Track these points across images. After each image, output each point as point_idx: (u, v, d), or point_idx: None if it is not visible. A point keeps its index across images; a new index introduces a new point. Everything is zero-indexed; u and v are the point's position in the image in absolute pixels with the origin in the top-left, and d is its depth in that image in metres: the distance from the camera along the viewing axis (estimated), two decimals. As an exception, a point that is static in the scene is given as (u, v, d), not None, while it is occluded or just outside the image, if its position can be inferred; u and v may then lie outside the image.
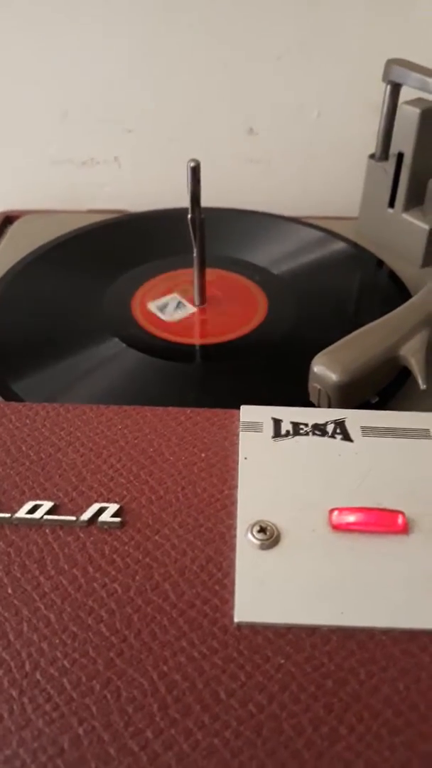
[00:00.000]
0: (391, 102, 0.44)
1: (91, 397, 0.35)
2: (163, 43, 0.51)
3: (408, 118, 0.43)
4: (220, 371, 0.38)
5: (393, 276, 0.44)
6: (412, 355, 0.32)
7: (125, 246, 0.48)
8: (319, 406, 0.32)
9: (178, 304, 0.41)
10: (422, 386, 0.31)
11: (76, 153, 0.55)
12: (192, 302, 0.42)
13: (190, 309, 0.41)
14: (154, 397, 0.35)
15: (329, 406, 0.31)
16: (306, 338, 0.39)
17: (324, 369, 0.31)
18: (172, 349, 0.39)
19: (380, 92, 0.43)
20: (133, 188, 0.56)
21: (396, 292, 0.42)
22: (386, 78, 0.43)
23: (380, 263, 0.45)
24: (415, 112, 0.42)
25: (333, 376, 0.30)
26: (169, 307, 0.41)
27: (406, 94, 0.43)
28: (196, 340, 0.40)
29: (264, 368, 0.37)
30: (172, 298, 0.42)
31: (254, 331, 0.40)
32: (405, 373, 0.34)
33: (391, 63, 0.43)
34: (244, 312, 0.42)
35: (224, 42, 0.51)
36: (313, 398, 0.32)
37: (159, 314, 0.40)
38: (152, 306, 0.41)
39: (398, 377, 0.34)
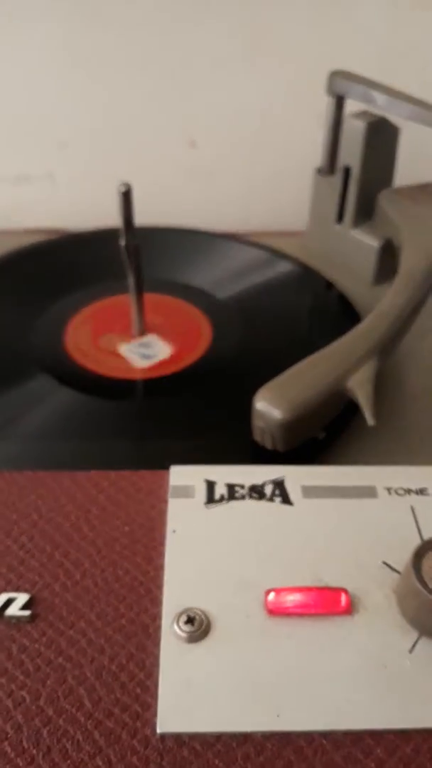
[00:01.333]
0: (336, 115, 0.42)
1: (20, 441, 0.32)
2: (97, 54, 0.48)
3: (354, 131, 0.41)
4: (163, 407, 0.35)
5: (342, 297, 0.42)
6: (359, 387, 0.30)
7: (59, 269, 0.45)
8: (263, 444, 0.30)
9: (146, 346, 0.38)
10: (370, 422, 0.29)
11: (8, 170, 0.52)
12: (130, 330, 0.39)
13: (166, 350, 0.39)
14: (91, 438, 0.33)
15: (274, 445, 0.29)
16: (253, 367, 0.37)
17: (267, 405, 0.29)
18: (110, 386, 0.36)
19: (325, 102, 0.41)
20: (69, 206, 0.53)
21: (346, 313, 0.40)
22: (330, 90, 0.41)
23: (329, 284, 0.43)
24: (360, 125, 0.40)
25: (276, 414, 0.28)
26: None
27: (352, 105, 0.41)
28: (137, 374, 0.37)
29: (209, 402, 0.35)
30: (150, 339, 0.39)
31: (197, 361, 0.38)
32: (354, 405, 0.32)
33: (334, 75, 0.40)
34: (186, 341, 0.39)
35: (162, 52, 0.48)
36: (256, 437, 0.30)
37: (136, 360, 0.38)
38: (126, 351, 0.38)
39: (348, 410, 0.32)
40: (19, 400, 0.35)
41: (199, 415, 0.34)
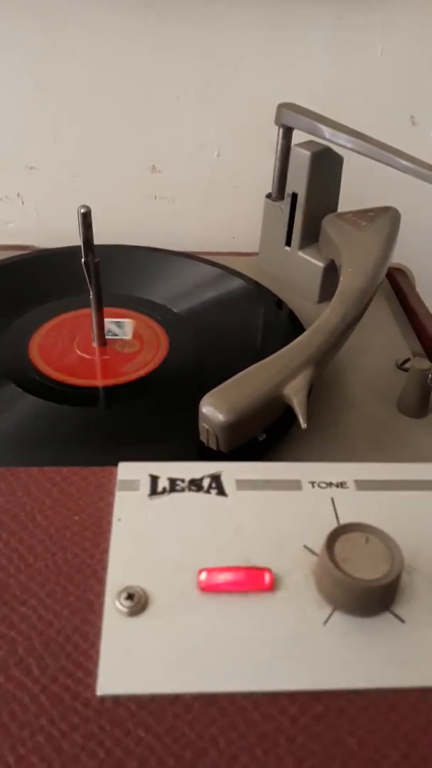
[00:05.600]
0: (284, 144, 0.45)
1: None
2: (64, 84, 0.51)
3: (300, 160, 0.44)
4: (122, 412, 0.37)
5: (290, 313, 0.45)
6: (294, 394, 0.33)
7: (26, 284, 0.47)
8: (208, 445, 0.32)
9: (117, 324, 0.42)
10: (303, 425, 0.32)
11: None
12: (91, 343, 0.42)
13: (129, 321, 0.43)
14: (55, 444, 0.35)
15: (217, 445, 0.32)
16: (206, 376, 0.39)
17: (211, 409, 0.31)
18: (72, 393, 0.38)
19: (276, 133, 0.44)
20: (37, 225, 0.55)
21: (292, 328, 0.43)
22: (278, 121, 0.44)
23: (278, 300, 0.46)
24: (306, 154, 0.43)
25: (220, 416, 0.31)
26: (115, 331, 0.41)
27: (300, 135, 0.44)
28: (98, 382, 0.40)
29: (165, 408, 0.38)
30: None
31: (155, 370, 0.40)
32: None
33: (281, 107, 0.44)
34: (145, 351, 0.42)
35: (124, 81, 0.51)
36: (202, 437, 0.32)
37: (117, 337, 0.41)
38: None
39: (290, 414, 0.35)
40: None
41: (154, 420, 0.37)
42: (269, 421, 0.34)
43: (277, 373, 0.33)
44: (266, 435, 0.34)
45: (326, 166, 0.44)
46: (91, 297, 0.40)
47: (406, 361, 0.41)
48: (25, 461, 0.33)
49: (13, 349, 0.41)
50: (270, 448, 0.35)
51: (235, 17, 0.49)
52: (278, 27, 0.50)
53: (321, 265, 0.45)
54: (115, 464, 0.28)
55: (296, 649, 0.22)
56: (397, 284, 0.49)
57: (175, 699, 0.21)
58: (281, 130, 0.44)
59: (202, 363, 0.41)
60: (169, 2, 0.48)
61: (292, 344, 0.35)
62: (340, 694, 0.21)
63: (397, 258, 0.45)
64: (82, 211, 0.36)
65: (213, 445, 0.32)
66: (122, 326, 0.42)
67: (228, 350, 0.42)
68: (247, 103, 0.52)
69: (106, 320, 0.42)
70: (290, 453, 0.35)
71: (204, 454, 0.32)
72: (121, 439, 0.36)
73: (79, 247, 0.38)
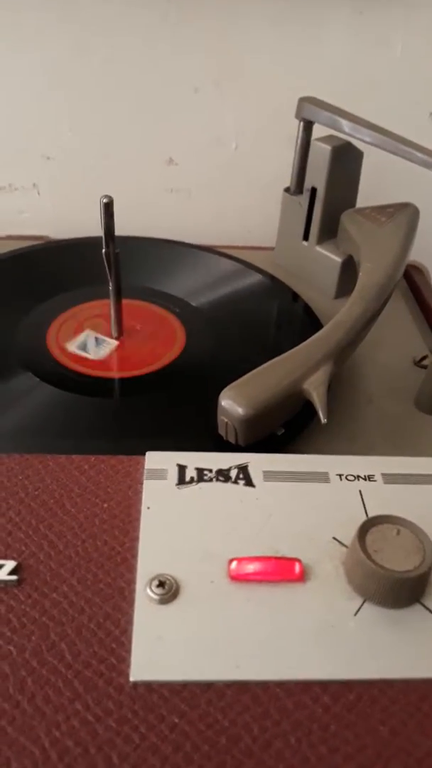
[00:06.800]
0: (304, 138, 0.45)
1: (3, 436, 0.34)
2: (80, 71, 0.51)
3: (320, 154, 0.44)
4: (139, 404, 0.37)
5: (307, 308, 0.45)
6: (314, 389, 0.33)
7: (43, 274, 0.47)
8: (226, 439, 0.32)
9: (97, 340, 0.41)
10: (323, 420, 0.32)
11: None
12: (109, 334, 0.42)
13: (112, 342, 0.41)
14: (71, 434, 0.35)
15: (236, 439, 0.32)
16: (223, 369, 0.39)
17: (231, 403, 0.31)
18: (89, 383, 0.38)
19: (296, 126, 0.44)
20: (52, 215, 0.55)
21: (310, 322, 0.43)
22: (299, 115, 0.44)
23: (295, 295, 0.46)
24: (326, 149, 0.43)
25: (239, 410, 0.31)
26: (89, 345, 0.40)
27: (320, 129, 0.44)
28: (114, 374, 0.40)
29: (182, 401, 0.37)
30: (87, 335, 0.41)
31: (172, 363, 0.40)
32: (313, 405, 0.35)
33: (302, 101, 0.44)
34: (162, 344, 0.42)
35: (142, 72, 0.51)
36: (221, 431, 0.32)
37: (84, 354, 0.40)
38: (72, 347, 0.40)
39: (308, 410, 0.35)
40: (4, 396, 0.37)
41: (170, 412, 0.37)
42: (288, 415, 0.34)
43: (297, 368, 0.33)
44: (284, 430, 0.34)
45: (346, 161, 0.44)
46: (110, 288, 0.40)
47: (424, 358, 0.41)
48: (40, 450, 0.33)
49: (30, 338, 0.41)
50: (288, 443, 0.35)
51: (255, 10, 0.49)
52: (298, 20, 0.50)
53: (339, 260, 0.45)
54: (129, 454, 0.28)
55: (327, 639, 0.22)
56: (413, 281, 0.49)
57: (207, 686, 0.21)
58: (302, 123, 0.44)
59: (219, 356, 0.41)
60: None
61: (311, 339, 0.35)
62: (371, 683, 0.21)
63: (413, 255, 0.45)
64: (105, 201, 0.36)
65: (231, 439, 0.32)
66: (100, 344, 0.41)
67: (244, 344, 0.42)
68: (266, 96, 0.52)
69: (89, 332, 0.41)
70: (308, 448, 0.35)
71: (221, 447, 0.32)
72: (136, 430, 0.36)
73: (96, 238, 0.38)
